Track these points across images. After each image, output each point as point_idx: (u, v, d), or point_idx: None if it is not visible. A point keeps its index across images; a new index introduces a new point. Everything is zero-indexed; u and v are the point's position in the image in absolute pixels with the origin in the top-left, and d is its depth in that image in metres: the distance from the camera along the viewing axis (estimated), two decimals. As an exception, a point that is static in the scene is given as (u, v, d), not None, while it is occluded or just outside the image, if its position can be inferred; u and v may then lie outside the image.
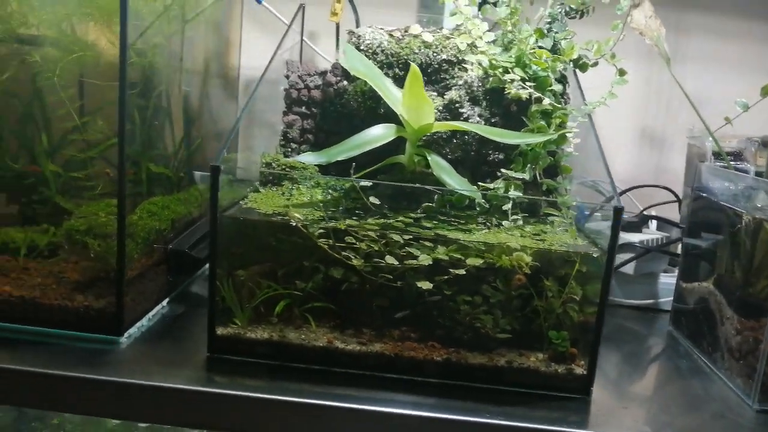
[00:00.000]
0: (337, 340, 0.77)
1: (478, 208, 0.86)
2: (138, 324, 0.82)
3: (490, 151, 0.93)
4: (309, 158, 0.84)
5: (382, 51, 0.97)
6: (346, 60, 0.93)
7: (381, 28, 1.00)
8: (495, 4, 0.97)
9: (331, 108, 1.00)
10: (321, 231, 0.76)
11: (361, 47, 0.97)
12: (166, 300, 0.91)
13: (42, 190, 0.95)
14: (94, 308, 0.77)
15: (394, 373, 0.76)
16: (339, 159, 0.84)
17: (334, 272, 0.78)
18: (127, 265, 0.78)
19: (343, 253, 0.76)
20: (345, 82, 0.99)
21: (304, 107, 1.01)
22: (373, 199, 0.81)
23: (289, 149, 1.00)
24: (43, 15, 0.78)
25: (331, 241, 0.76)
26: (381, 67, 0.96)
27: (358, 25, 1.10)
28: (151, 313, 0.86)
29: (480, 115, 0.93)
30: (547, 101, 0.89)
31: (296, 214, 0.74)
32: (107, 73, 0.82)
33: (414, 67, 0.81)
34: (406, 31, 1.01)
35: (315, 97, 1.00)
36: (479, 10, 0.98)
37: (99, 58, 0.82)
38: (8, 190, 0.92)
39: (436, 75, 0.97)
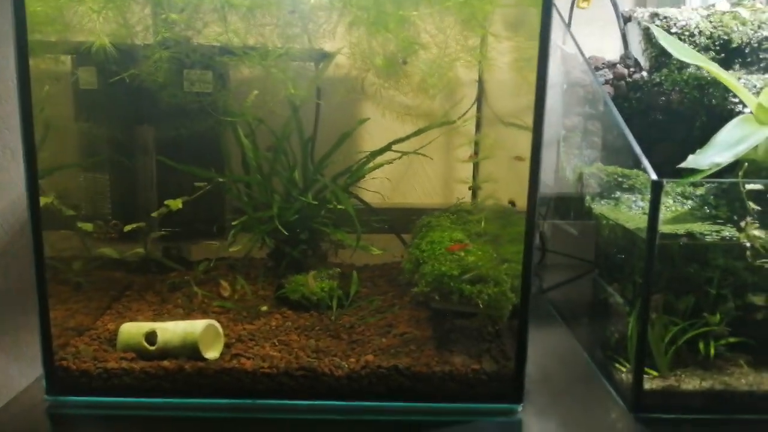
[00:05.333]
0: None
1: None
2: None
3: None
4: (700, 160, 0.69)
5: (700, 33, 0.83)
6: (668, 46, 0.79)
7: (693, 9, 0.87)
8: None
9: (625, 104, 0.85)
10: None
11: (673, 30, 0.83)
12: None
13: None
14: (486, 372, 0.62)
15: None
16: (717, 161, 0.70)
17: (755, 299, 0.64)
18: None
19: None
20: (644, 74, 0.85)
21: (587, 106, 0.86)
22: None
23: (572, 155, 0.86)
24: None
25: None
26: (698, 52, 0.82)
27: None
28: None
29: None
30: None
31: (755, 232, 0.60)
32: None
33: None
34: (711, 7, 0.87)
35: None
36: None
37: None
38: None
39: (753, 55, 0.84)
